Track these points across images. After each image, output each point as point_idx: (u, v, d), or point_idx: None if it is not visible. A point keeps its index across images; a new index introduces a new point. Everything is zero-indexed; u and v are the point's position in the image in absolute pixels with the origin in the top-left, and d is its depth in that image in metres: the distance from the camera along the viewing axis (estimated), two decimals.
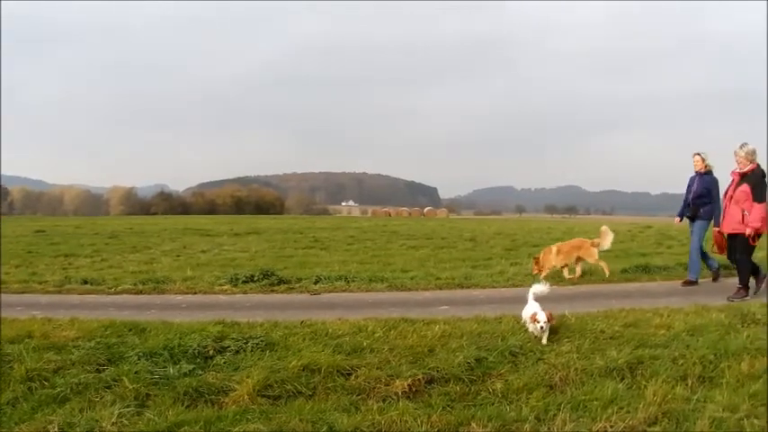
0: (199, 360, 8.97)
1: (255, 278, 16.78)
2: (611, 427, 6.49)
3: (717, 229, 14.80)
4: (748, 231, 13.18)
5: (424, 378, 8.09)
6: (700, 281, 15.43)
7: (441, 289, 15.88)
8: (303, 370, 8.34)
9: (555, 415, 6.80)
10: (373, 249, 30.33)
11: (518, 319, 10.81)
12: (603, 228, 18.34)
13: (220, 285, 16.53)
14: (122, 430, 6.88)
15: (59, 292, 16.74)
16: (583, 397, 7.28)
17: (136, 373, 8.30)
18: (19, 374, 8.48)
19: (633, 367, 8.27)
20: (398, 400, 7.53)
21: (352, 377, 8.24)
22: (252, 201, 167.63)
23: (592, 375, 8.04)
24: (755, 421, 6.60)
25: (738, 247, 13.71)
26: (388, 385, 7.94)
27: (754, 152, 13.46)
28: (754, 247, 13.66)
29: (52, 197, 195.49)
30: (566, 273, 17.41)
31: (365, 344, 9.45)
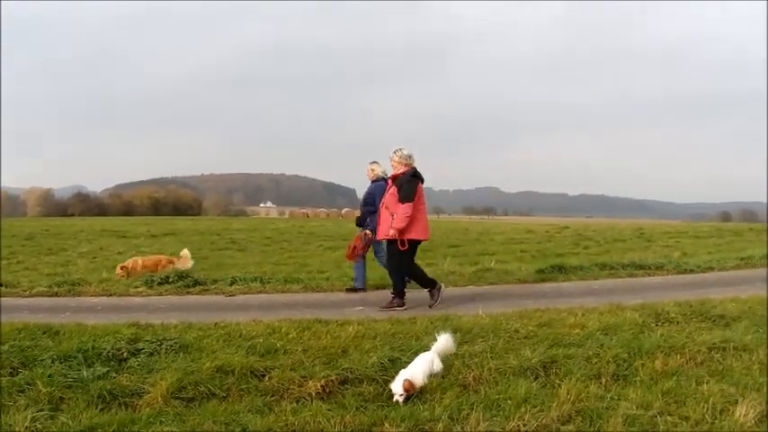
0: (113, 363, 8.86)
1: (171, 280, 16.78)
2: (525, 425, 6.50)
3: (367, 232, 14.84)
4: (392, 232, 12.92)
5: (337, 379, 8.08)
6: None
7: (355, 291, 15.81)
8: (217, 372, 8.30)
9: (468, 414, 6.79)
10: (290, 251, 30.45)
11: (432, 319, 10.90)
12: (184, 251, 20.10)
13: (135, 287, 16.44)
14: None
15: None
16: (496, 396, 7.29)
17: (50, 376, 8.18)
18: None
19: (547, 366, 8.34)
20: (312, 401, 7.53)
21: (266, 378, 8.22)
22: (169, 202, 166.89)
23: (505, 375, 8.07)
24: (668, 418, 6.65)
25: (389, 253, 13.52)
26: (301, 386, 7.92)
27: (409, 156, 13.24)
28: (406, 254, 13.19)
29: None
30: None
31: (279, 345, 9.45)
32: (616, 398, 7.23)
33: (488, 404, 7.08)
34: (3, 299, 15.84)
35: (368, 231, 14.74)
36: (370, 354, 8.83)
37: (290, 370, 8.34)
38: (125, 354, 9.11)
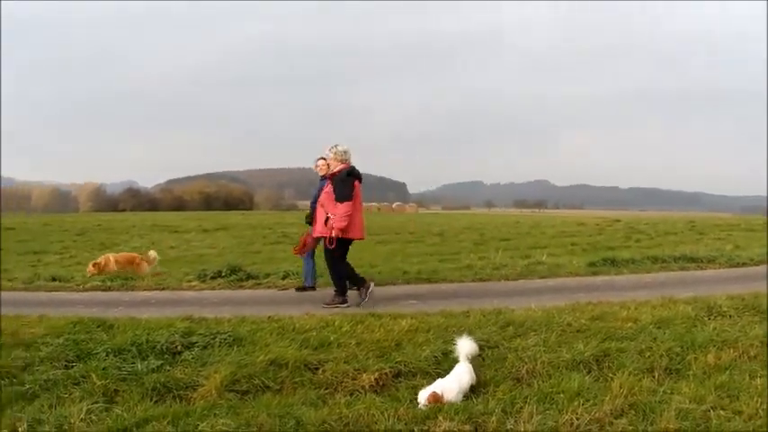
0: (167, 356, 8.92)
1: (223, 274, 16.76)
2: (578, 419, 6.48)
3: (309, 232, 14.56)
4: (334, 232, 12.69)
5: (391, 372, 8.10)
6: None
7: (408, 284, 15.83)
8: (270, 365, 8.34)
9: (521, 408, 6.78)
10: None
11: (484, 312, 10.86)
12: (152, 252, 20.44)
13: (188, 281, 16.48)
14: (91, 426, 6.88)
15: (28, 290, 16.70)
16: (549, 390, 7.27)
17: (104, 369, 8.26)
18: None
19: (600, 360, 8.30)
20: (365, 394, 7.57)
21: (320, 371, 8.26)
22: (221, 197, 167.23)
23: (558, 368, 8.05)
24: (721, 412, 6.62)
25: (325, 252, 13.25)
26: (355, 379, 7.96)
27: (344, 152, 13.05)
28: (336, 251, 13.00)
29: (20, 195, 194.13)
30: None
31: (332, 338, 9.43)
32: (669, 392, 7.19)
33: (541, 398, 7.06)
34: (57, 293, 16.03)
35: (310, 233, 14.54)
36: (424, 347, 8.85)
37: (344, 363, 8.38)
38: (179, 347, 9.16)
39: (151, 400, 7.58)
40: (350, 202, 12.62)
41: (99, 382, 7.89)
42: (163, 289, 15.95)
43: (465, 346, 7.90)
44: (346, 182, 12.73)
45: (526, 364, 8.17)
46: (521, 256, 21.40)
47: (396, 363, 8.34)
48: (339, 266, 13.17)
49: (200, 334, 9.68)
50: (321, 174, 14.23)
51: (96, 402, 7.40)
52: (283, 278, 16.27)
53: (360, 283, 13.24)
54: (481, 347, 8.66)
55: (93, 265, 18.70)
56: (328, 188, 12.93)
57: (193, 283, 16.14)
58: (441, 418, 6.57)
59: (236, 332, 9.81)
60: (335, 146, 13.09)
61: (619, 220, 50.51)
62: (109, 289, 16.16)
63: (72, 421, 6.93)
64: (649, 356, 8.34)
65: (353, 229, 12.86)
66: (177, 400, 7.63)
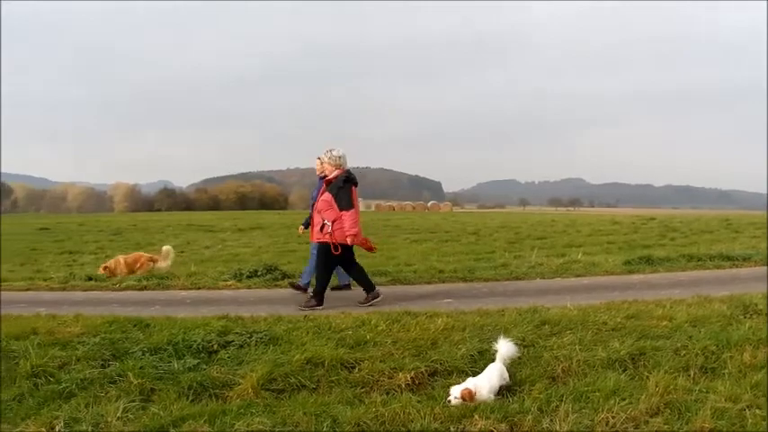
0: (203, 355, 9.00)
1: (259, 273, 16.81)
2: (613, 417, 6.49)
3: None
4: (349, 240, 12.80)
5: (427, 371, 8.12)
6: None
7: (444, 282, 15.81)
8: (307, 363, 8.38)
9: (557, 406, 6.80)
10: (376, 243, 30.41)
11: (520, 311, 10.86)
12: (165, 248, 19.95)
13: (224, 281, 16.49)
14: (128, 425, 6.94)
15: (63, 289, 16.79)
16: (585, 388, 7.28)
17: (141, 368, 8.34)
18: (24, 370, 8.52)
19: (635, 358, 8.29)
20: (402, 393, 7.59)
21: (356, 370, 8.28)
22: (255, 196, 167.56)
23: (594, 367, 8.05)
24: (757, 411, 6.60)
25: (318, 255, 13.27)
26: (391, 378, 7.98)
27: (339, 157, 13.04)
28: (334, 257, 13.02)
29: (55, 195, 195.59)
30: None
31: (368, 337, 9.46)
32: (704, 391, 7.17)
33: (577, 396, 7.08)
34: (92, 292, 16.12)
35: (302, 226, 14.81)
36: (460, 346, 8.85)
37: (380, 362, 8.41)
38: (215, 346, 9.22)
39: (187, 398, 7.64)
40: (354, 210, 12.78)
41: (135, 381, 7.95)
42: (198, 288, 16.00)
43: (501, 348, 7.93)
44: (345, 189, 12.81)
45: (562, 362, 8.17)
46: (556, 254, 21.34)
47: (432, 361, 8.35)
48: (328, 272, 13.37)
49: (237, 333, 9.74)
50: (318, 174, 14.25)
51: (133, 401, 7.47)
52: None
53: (320, 296, 13.12)
54: (516, 346, 8.68)
55: (104, 269, 18.79)
56: (326, 196, 12.94)
57: (229, 283, 16.17)
58: (476, 416, 6.60)
59: (272, 331, 9.86)
60: (330, 150, 13.13)
61: (654, 218, 50.32)
62: (144, 288, 16.22)
63: (108, 420, 7.00)
64: (685, 355, 8.31)
65: (343, 235, 12.87)
66: (213, 399, 7.69)
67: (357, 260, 13.49)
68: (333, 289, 14.73)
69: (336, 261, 13.27)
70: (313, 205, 13.75)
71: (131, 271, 18.65)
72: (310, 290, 13.79)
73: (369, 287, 13.26)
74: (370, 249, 13.99)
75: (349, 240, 12.77)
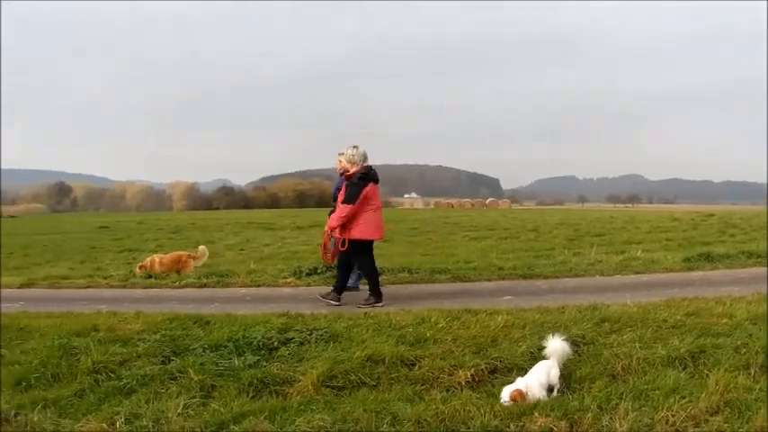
0: (263, 352, 9.07)
1: (319, 270, 16.84)
2: (673, 416, 6.45)
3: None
4: (327, 231, 13.01)
5: (487, 368, 8.15)
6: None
7: (503, 279, 15.82)
8: (367, 361, 8.43)
9: (617, 404, 6.77)
10: (435, 241, 30.34)
11: (580, 308, 10.81)
12: (201, 247, 20.07)
13: (284, 278, 16.58)
14: (188, 421, 7.00)
15: (124, 287, 17.04)
16: (645, 386, 7.24)
17: (201, 364, 8.43)
18: (85, 367, 8.63)
19: (695, 356, 8.22)
20: (462, 390, 7.60)
21: (416, 367, 8.32)
22: (314, 194, 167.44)
23: (654, 365, 8.01)
24: None
25: (354, 256, 13.31)
26: (451, 375, 8.01)
27: (354, 156, 13.10)
28: (359, 253, 13.15)
29: (114, 193, 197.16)
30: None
31: (428, 334, 9.46)
32: (765, 389, 7.10)
33: (637, 394, 7.05)
34: (152, 290, 16.33)
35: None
36: (520, 343, 8.86)
37: (440, 359, 8.43)
38: (275, 343, 9.31)
39: (248, 395, 7.72)
40: (350, 206, 12.73)
41: (196, 378, 8.04)
42: (258, 286, 16.10)
43: (551, 346, 7.92)
44: (357, 185, 12.86)
45: (621, 360, 8.14)
46: (615, 251, 21.17)
47: (492, 359, 8.37)
48: (366, 265, 13.39)
49: (297, 330, 9.81)
50: (338, 171, 14.23)
51: (193, 397, 7.55)
52: (378, 275, 16.20)
53: (340, 288, 13.36)
54: (576, 343, 8.65)
55: (140, 268, 18.95)
56: (344, 190, 13.06)
57: (289, 280, 16.23)
58: (536, 414, 6.60)
59: (332, 328, 9.92)
60: (350, 147, 13.24)
61: (713, 215, 49.76)
62: (204, 286, 16.39)
63: (169, 415, 7.06)
64: (745, 353, 8.23)
65: (363, 230, 12.95)
66: (274, 396, 7.77)
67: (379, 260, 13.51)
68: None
69: (369, 252, 13.35)
70: (335, 200, 13.82)
71: (171, 270, 18.78)
72: (350, 283, 14.02)
73: (341, 289, 13.40)
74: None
75: (327, 230, 13.08)
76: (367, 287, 13.48)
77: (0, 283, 17.93)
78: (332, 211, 13.94)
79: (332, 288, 13.49)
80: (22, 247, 35.30)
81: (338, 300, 13.16)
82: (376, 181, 13.23)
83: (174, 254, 19.71)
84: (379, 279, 13.96)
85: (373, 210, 13.06)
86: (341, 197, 13.04)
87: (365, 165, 13.15)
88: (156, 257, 19.10)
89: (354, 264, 13.55)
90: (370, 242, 13.29)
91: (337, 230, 12.92)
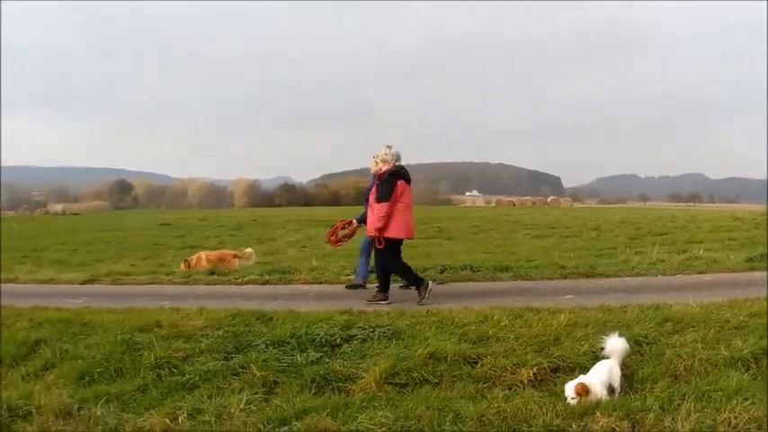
0: (326, 348, 9.15)
1: None
2: (736, 418, 6.41)
3: (353, 220, 14.85)
4: (373, 231, 12.90)
5: (549, 367, 8.15)
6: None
7: (565, 278, 15.74)
8: (429, 358, 8.47)
9: (679, 405, 6.73)
10: (497, 239, 30.29)
11: (642, 307, 10.73)
12: (248, 250, 20.63)
13: (346, 275, 16.56)
14: (250, 416, 7.06)
15: (186, 283, 17.16)
16: (707, 387, 7.20)
17: (264, 360, 8.53)
18: (148, 362, 8.76)
19: (758, 358, 8.15)
20: (524, 389, 7.61)
21: (478, 365, 8.34)
22: None
23: (716, 365, 7.96)
24: None
25: (375, 250, 13.42)
26: (513, 374, 8.03)
27: (387, 155, 13.19)
28: (386, 252, 13.16)
29: (176, 191, 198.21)
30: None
31: (491, 333, 9.47)
32: None
33: (699, 395, 6.99)
34: (215, 286, 16.46)
35: (354, 220, 14.81)
36: (582, 342, 8.85)
37: (503, 357, 8.45)
38: (338, 340, 9.40)
39: (310, 391, 7.80)
40: (387, 203, 12.77)
41: (259, 374, 8.15)
42: (321, 283, 16.19)
43: (610, 345, 7.87)
44: (388, 182, 12.95)
45: (684, 360, 8.09)
46: (677, 250, 21.00)
47: (554, 358, 8.37)
48: (386, 265, 13.36)
49: (360, 327, 9.86)
50: (372, 172, 14.19)
51: (256, 393, 7.65)
52: (441, 272, 16.33)
53: (418, 283, 13.31)
54: (639, 343, 8.61)
55: (184, 262, 19.30)
56: (375, 189, 13.18)
57: (351, 277, 16.14)
58: (598, 413, 6.59)
59: (395, 325, 9.98)
60: (385, 147, 13.34)
61: None
62: (266, 282, 16.50)
63: (231, 411, 7.14)
64: None
65: (397, 228, 12.97)
66: (336, 392, 7.84)
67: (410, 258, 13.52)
68: (347, 287, 15.06)
69: (397, 250, 13.43)
70: (367, 201, 13.84)
71: (214, 267, 18.98)
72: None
73: (385, 288, 13.38)
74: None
75: (370, 230, 13.07)
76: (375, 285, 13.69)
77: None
78: (363, 213, 14.22)
79: (376, 289, 13.52)
80: (84, 243, 35.74)
81: (386, 298, 13.20)
82: (407, 180, 13.25)
83: (220, 252, 20.16)
84: (442, 276, 13.96)
85: (403, 208, 13.06)
86: (372, 196, 13.19)
87: (397, 164, 13.23)
88: (203, 254, 19.56)
89: (384, 261, 13.48)
90: (398, 242, 13.33)
91: (370, 230, 13.05)
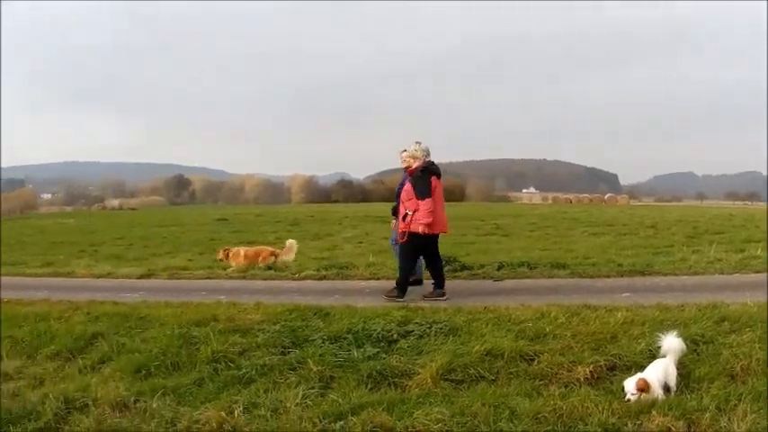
0: (383, 344, 9.20)
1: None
2: None
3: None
4: (421, 229, 12.71)
5: (606, 365, 8.12)
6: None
7: (622, 276, 15.52)
8: (486, 355, 8.48)
9: (736, 405, 6.68)
10: (554, 236, 30.19)
11: (699, 306, 10.63)
12: (289, 241, 20.01)
13: None
14: (306, 411, 7.12)
15: (243, 278, 17.26)
16: (764, 388, 7.13)
17: (320, 355, 8.61)
18: (205, 356, 8.87)
19: None
20: (580, 387, 7.59)
21: (535, 363, 8.33)
22: None
23: None
24: None
25: (399, 246, 13.42)
26: (570, 371, 8.00)
27: (417, 150, 13.14)
28: (412, 247, 13.14)
29: (233, 186, 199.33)
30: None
31: (548, 330, 9.46)
32: None
33: (756, 396, 6.95)
34: (272, 281, 16.55)
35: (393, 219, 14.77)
36: (639, 340, 8.79)
37: (559, 355, 8.44)
38: (395, 335, 9.44)
39: (366, 386, 7.85)
40: (430, 199, 12.75)
41: (315, 368, 8.23)
42: (378, 279, 16.16)
43: (666, 344, 7.83)
44: (423, 179, 12.91)
45: (741, 360, 8.00)
46: (735, 249, 20.81)
47: (611, 356, 8.34)
48: (408, 262, 13.42)
49: (417, 323, 9.90)
50: (402, 166, 14.06)
51: (312, 388, 7.73)
52: (498, 269, 16.23)
53: (402, 290, 13.28)
54: (696, 342, 8.54)
55: (224, 251, 19.60)
56: (407, 186, 13.15)
57: None
58: (654, 413, 6.56)
59: (451, 322, 9.97)
60: (414, 143, 13.33)
61: None
62: (324, 278, 16.55)
63: (287, 405, 7.21)
64: None
65: (433, 223, 12.89)
66: (392, 388, 7.88)
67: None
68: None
69: (420, 251, 13.42)
70: (398, 196, 13.84)
71: (253, 263, 19.02)
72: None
73: (440, 284, 13.39)
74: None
75: (421, 230, 12.81)
76: (431, 281, 13.64)
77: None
78: (395, 207, 14.32)
79: (432, 286, 13.51)
80: (141, 238, 36.18)
81: (438, 296, 13.18)
82: (438, 175, 13.26)
83: (258, 247, 20.15)
84: (499, 272, 13.94)
85: (438, 204, 13.06)
86: (404, 194, 13.19)
87: (427, 159, 13.22)
88: (242, 249, 19.58)
89: (400, 252, 13.62)
90: (429, 237, 13.22)
91: (423, 227, 12.82)
